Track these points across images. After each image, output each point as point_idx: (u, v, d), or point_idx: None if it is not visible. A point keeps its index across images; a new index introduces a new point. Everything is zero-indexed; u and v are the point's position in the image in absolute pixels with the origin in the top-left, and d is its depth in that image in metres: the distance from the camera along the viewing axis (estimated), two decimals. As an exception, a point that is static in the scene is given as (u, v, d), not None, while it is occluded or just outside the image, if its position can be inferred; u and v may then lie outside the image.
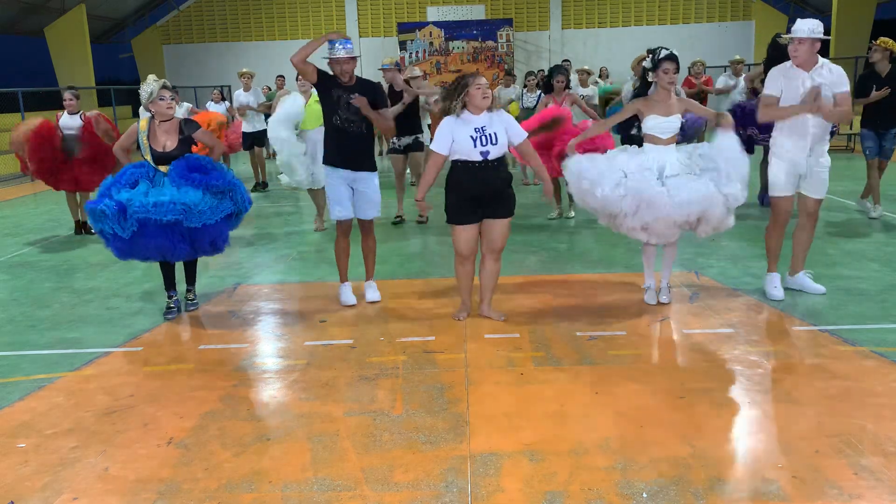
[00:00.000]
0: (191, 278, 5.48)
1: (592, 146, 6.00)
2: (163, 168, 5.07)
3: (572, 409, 3.57)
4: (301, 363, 4.30)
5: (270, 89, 15.63)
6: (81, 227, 8.59)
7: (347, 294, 5.37)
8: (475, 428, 3.37)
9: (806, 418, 3.38)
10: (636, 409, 3.53)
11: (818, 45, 4.84)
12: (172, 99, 5.12)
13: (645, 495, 2.78)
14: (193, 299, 5.48)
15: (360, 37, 23.00)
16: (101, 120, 8.45)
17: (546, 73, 10.73)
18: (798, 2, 23.62)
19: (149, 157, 5.08)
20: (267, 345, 4.77)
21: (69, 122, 8.33)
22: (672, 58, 4.83)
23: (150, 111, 5.16)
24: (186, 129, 5.16)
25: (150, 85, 5.07)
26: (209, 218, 4.94)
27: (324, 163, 5.26)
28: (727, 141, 4.78)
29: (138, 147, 5.17)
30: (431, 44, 21.61)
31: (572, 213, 8.44)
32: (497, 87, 13.38)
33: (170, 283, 5.36)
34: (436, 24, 21.76)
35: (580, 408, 3.57)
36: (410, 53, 21.43)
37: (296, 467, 3.07)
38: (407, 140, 8.33)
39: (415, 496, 2.84)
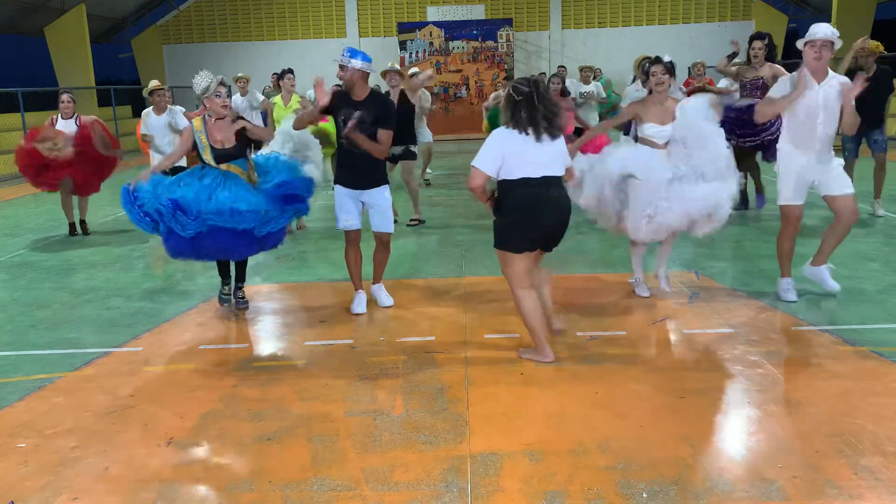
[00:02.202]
0: (241, 276, 5.40)
1: (591, 146, 6.23)
2: (226, 167, 4.94)
3: (572, 409, 3.57)
4: (301, 363, 4.30)
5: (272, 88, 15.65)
6: (75, 229, 8.54)
7: (360, 303, 5.21)
8: (475, 428, 3.37)
9: (806, 418, 3.38)
10: (636, 409, 3.53)
11: (831, 54, 4.80)
12: (229, 96, 5.06)
13: (645, 495, 2.77)
14: (243, 297, 5.41)
15: (361, 37, 22.99)
16: (98, 128, 8.23)
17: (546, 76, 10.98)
18: (798, 2, 23.60)
19: (208, 156, 4.95)
20: (267, 345, 4.77)
21: (64, 127, 8.15)
22: (658, 62, 5.04)
23: (204, 105, 5.05)
24: (239, 125, 5.03)
25: (204, 79, 4.93)
26: (275, 225, 4.93)
27: (334, 182, 5.22)
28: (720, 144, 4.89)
29: (194, 148, 5.03)
30: (431, 44, 21.58)
31: None
32: (495, 91, 13.55)
33: (225, 273, 5.33)
34: (436, 24, 21.73)
35: (580, 408, 3.57)
36: (410, 53, 21.42)
37: (296, 467, 3.07)
38: (397, 150, 8.01)
39: (415, 496, 2.83)
